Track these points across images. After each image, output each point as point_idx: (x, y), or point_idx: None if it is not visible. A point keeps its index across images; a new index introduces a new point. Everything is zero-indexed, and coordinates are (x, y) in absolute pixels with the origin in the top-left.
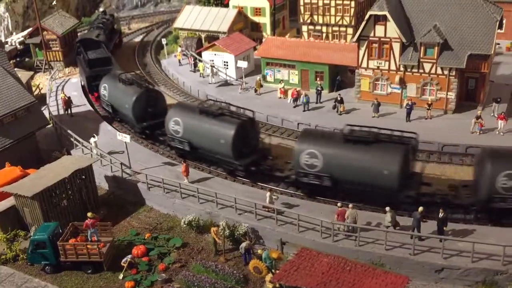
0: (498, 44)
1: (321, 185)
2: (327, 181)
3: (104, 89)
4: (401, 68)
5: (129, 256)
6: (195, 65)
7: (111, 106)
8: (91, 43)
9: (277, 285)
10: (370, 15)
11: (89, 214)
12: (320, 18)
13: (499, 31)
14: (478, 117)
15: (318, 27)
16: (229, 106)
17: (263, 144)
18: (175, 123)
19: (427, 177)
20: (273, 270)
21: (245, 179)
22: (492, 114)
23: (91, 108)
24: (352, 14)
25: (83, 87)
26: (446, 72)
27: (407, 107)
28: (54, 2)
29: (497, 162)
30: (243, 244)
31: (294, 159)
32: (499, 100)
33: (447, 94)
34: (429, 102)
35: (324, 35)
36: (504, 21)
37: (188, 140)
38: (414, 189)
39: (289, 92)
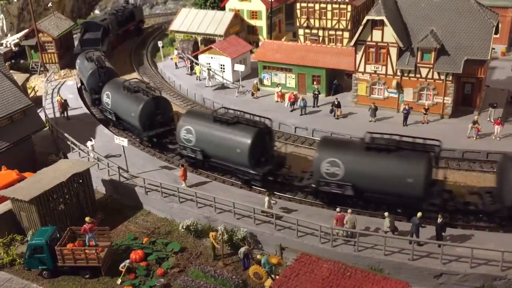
0: (493, 48)
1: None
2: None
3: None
4: (398, 73)
5: (127, 261)
6: (192, 68)
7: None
8: (93, 25)
9: None
10: (368, 20)
11: (87, 219)
12: (317, 22)
13: (494, 36)
14: (475, 122)
15: (314, 31)
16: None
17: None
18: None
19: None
20: (272, 276)
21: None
22: (488, 119)
23: (87, 111)
24: (348, 18)
25: (79, 89)
26: (442, 77)
27: (404, 111)
28: (50, 4)
29: (323, 149)
30: (242, 249)
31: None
32: (495, 105)
33: (443, 99)
34: (426, 107)
35: (320, 39)
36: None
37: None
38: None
39: (286, 96)
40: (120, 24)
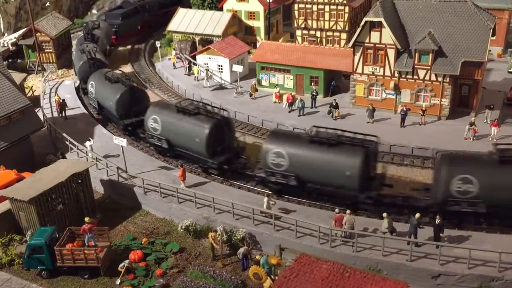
0: (490, 50)
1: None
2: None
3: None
4: (396, 74)
5: (126, 261)
6: (190, 68)
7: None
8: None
9: None
10: (366, 21)
11: (86, 219)
12: (314, 23)
13: (491, 38)
14: (471, 124)
15: (312, 32)
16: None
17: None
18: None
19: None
20: (272, 276)
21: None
22: (485, 121)
23: (85, 111)
24: (346, 19)
25: (77, 89)
26: (440, 79)
27: (402, 113)
28: (47, 4)
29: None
30: (241, 250)
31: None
32: (492, 107)
33: (441, 101)
34: (423, 108)
35: (318, 39)
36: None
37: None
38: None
39: (284, 97)
40: (162, 6)
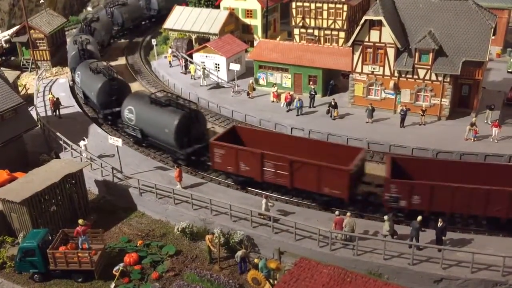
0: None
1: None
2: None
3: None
4: (396, 74)
5: (121, 264)
6: (186, 66)
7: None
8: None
9: None
10: (365, 20)
11: (80, 221)
12: (312, 21)
13: (492, 37)
14: (472, 124)
15: (310, 31)
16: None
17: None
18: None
19: None
20: (270, 280)
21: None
22: (485, 121)
23: (79, 110)
24: (344, 18)
25: (71, 87)
26: (440, 79)
27: (401, 113)
28: (42, 1)
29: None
30: (239, 253)
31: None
32: (493, 107)
33: (441, 101)
34: (423, 108)
35: (316, 38)
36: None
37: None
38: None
39: (282, 96)
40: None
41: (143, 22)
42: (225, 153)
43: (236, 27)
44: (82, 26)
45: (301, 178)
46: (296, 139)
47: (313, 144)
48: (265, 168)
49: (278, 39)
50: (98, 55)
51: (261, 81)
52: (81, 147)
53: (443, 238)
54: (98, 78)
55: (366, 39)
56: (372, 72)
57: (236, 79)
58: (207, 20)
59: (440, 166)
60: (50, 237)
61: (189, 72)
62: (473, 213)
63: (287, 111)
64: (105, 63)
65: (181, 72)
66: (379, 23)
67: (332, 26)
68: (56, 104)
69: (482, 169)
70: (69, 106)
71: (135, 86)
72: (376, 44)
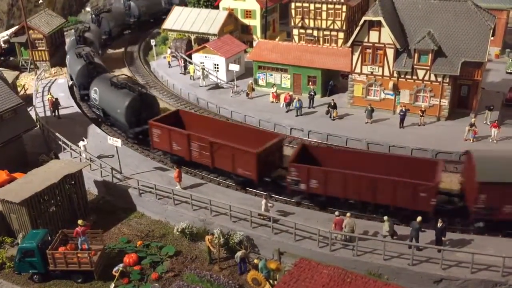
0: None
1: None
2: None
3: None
4: (395, 74)
5: (121, 264)
6: (185, 67)
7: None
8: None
9: None
10: (365, 21)
11: (79, 222)
12: (311, 22)
13: (491, 38)
14: (472, 125)
15: (309, 31)
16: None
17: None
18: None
19: None
20: (270, 281)
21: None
22: (484, 122)
23: (78, 110)
24: (343, 18)
25: (70, 87)
26: (439, 79)
27: (401, 113)
28: (40, 1)
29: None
30: (239, 253)
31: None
32: (492, 107)
33: (440, 101)
34: (423, 109)
35: (315, 39)
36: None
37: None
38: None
39: (282, 97)
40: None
41: (125, 32)
42: (161, 133)
43: (235, 28)
44: (76, 37)
45: (220, 159)
46: (225, 124)
47: (239, 129)
48: (192, 148)
49: (277, 39)
50: (105, 67)
51: (260, 82)
52: (80, 148)
53: (443, 238)
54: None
55: (366, 39)
56: (372, 72)
57: (235, 79)
58: (206, 21)
59: (347, 155)
60: (49, 238)
61: (188, 72)
62: (364, 199)
63: (287, 111)
64: (124, 76)
65: (181, 73)
66: (379, 23)
67: (331, 27)
68: (55, 104)
69: (384, 159)
70: (68, 106)
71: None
72: (375, 44)
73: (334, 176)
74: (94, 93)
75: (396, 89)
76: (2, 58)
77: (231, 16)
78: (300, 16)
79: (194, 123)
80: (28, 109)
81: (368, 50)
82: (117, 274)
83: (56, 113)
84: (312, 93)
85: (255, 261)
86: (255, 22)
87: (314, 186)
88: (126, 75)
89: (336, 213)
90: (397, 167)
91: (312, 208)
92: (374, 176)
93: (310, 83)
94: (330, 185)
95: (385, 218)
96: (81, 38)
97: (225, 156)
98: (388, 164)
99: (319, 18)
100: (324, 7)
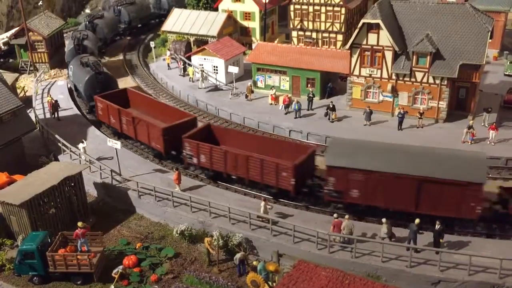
0: None
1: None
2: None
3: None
4: (393, 77)
5: (120, 266)
6: (184, 69)
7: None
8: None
9: None
10: (363, 23)
11: (79, 224)
12: (310, 24)
13: (489, 40)
14: (470, 127)
15: (308, 33)
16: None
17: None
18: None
19: None
20: (269, 283)
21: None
22: (482, 124)
23: (78, 112)
24: (342, 20)
25: (69, 89)
26: (438, 81)
27: (399, 115)
28: (40, 3)
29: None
30: (238, 255)
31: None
32: (490, 110)
33: (438, 103)
34: (421, 111)
35: (314, 41)
36: None
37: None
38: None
39: (281, 99)
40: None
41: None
42: (102, 107)
43: (235, 30)
44: (75, 46)
45: (140, 133)
46: (155, 102)
47: (161, 107)
48: (122, 122)
49: (276, 41)
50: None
51: (259, 84)
52: (80, 150)
53: (441, 240)
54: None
55: (364, 42)
56: (370, 75)
57: (234, 81)
58: (205, 23)
59: (240, 136)
60: (49, 240)
61: (188, 74)
62: (240, 174)
63: (285, 113)
64: (95, 59)
65: (180, 75)
66: (377, 26)
67: (330, 29)
68: (54, 106)
69: (269, 141)
70: (68, 108)
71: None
72: (374, 47)
73: (216, 152)
74: (70, 70)
75: (394, 91)
76: (1, 60)
77: (230, 18)
78: (299, 18)
79: (136, 101)
80: (28, 111)
81: (366, 53)
82: (116, 276)
83: (56, 115)
84: (311, 95)
85: (254, 263)
86: (254, 24)
87: (203, 161)
88: (95, 57)
89: (335, 215)
90: (276, 148)
91: (311, 210)
92: (245, 154)
93: (309, 85)
94: (215, 160)
95: (383, 220)
96: (80, 47)
97: (143, 130)
98: (270, 145)
99: (318, 20)
100: (323, 9)
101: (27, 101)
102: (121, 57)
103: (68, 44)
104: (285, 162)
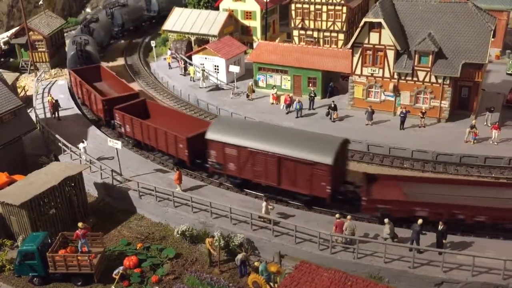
0: None
1: None
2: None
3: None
4: (395, 76)
5: (121, 267)
6: (185, 68)
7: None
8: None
9: None
10: (365, 22)
11: (80, 224)
12: (312, 23)
13: (492, 39)
14: (472, 126)
15: (309, 32)
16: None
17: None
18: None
19: None
20: (271, 284)
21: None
22: (485, 123)
23: (79, 112)
24: (343, 19)
25: (70, 89)
26: (440, 81)
27: (401, 115)
28: (41, 2)
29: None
30: (239, 256)
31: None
32: (492, 109)
33: (440, 103)
34: (423, 111)
35: (315, 40)
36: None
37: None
38: None
39: (282, 98)
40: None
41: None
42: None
43: (236, 29)
44: (78, 51)
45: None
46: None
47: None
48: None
49: (277, 40)
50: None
51: (260, 83)
52: (80, 150)
53: (444, 241)
54: (72, 48)
55: (366, 41)
56: (372, 74)
57: (235, 81)
58: (206, 22)
59: (165, 111)
60: (49, 240)
61: (189, 73)
62: (153, 145)
63: (287, 113)
64: (86, 39)
65: (181, 74)
66: (379, 25)
67: (332, 28)
68: (55, 106)
69: (183, 117)
70: (68, 108)
71: (135, 87)
72: (376, 46)
73: (135, 124)
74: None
75: (396, 91)
76: (2, 59)
77: (231, 17)
78: (300, 17)
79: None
80: (28, 111)
81: (368, 52)
82: (117, 277)
83: (56, 115)
84: (312, 95)
85: (256, 263)
86: (255, 23)
87: (128, 130)
88: (86, 39)
89: (337, 215)
90: (185, 123)
91: (313, 210)
92: (154, 126)
93: (310, 85)
94: (136, 130)
95: (386, 220)
96: (83, 53)
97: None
98: (183, 121)
99: (319, 19)
100: (324, 8)
101: (28, 101)
102: (120, 62)
103: (69, 50)
104: (181, 135)
